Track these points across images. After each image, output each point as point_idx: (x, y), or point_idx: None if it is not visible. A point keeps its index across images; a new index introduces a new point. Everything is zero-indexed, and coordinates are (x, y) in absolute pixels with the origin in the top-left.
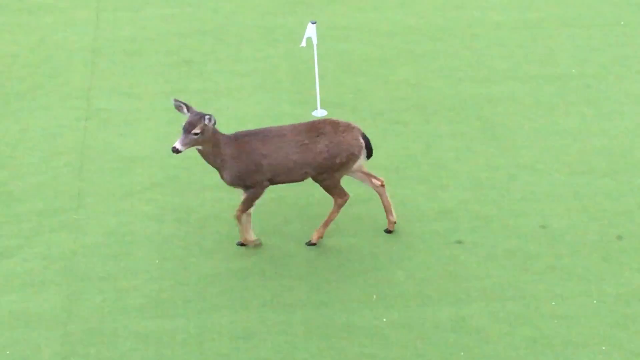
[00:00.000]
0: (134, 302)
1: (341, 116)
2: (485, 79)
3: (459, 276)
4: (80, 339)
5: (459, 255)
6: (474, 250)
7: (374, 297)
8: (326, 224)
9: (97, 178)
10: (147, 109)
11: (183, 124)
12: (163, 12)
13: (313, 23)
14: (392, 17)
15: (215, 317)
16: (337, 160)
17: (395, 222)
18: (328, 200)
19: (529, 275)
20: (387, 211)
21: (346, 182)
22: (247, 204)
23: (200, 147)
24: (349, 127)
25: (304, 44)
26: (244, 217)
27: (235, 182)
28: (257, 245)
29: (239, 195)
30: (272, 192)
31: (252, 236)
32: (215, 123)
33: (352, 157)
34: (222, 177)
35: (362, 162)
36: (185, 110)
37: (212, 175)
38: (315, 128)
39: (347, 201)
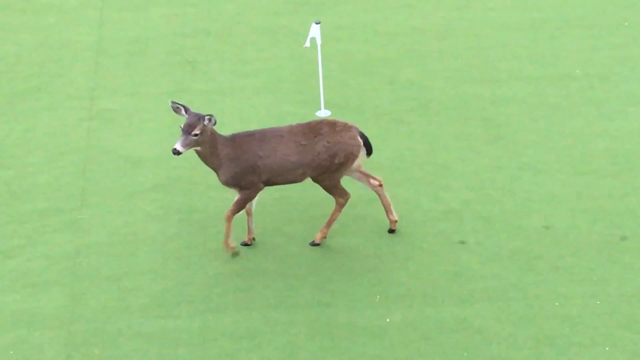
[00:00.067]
0: (138, 302)
1: (345, 116)
2: (489, 79)
3: (463, 276)
4: (83, 339)
5: (462, 256)
6: (477, 251)
7: (378, 297)
8: (329, 224)
9: (100, 178)
10: (151, 109)
11: (182, 126)
12: (167, 13)
13: (317, 23)
14: (396, 18)
15: (219, 317)
16: (336, 160)
17: (396, 221)
18: (331, 200)
19: (533, 276)
20: (387, 211)
21: (349, 182)
22: (240, 205)
23: (198, 148)
24: (346, 127)
25: (307, 44)
26: (249, 219)
27: (231, 182)
28: (235, 254)
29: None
30: (275, 193)
31: (232, 243)
32: (215, 123)
33: (351, 157)
34: (218, 177)
35: (360, 161)
36: (183, 112)
37: (215, 175)
38: (313, 129)
39: (350, 201)
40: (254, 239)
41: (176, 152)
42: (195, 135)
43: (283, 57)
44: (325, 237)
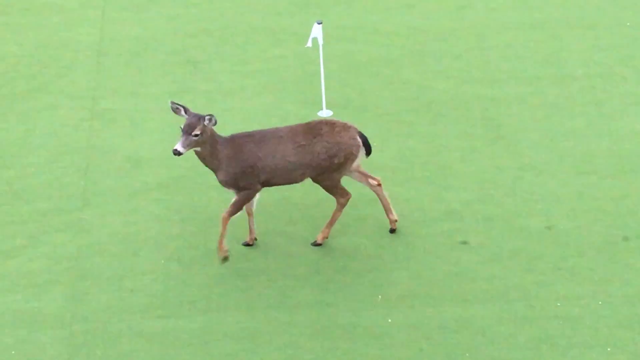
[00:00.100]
0: (139, 302)
1: (346, 116)
2: (491, 79)
3: (464, 277)
4: (85, 339)
5: (463, 256)
6: (479, 251)
7: (379, 297)
8: (330, 224)
9: (102, 178)
10: (153, 109)
11: (182, 126)
12: (169, 12)
13: (319, 23)
14: (398, 18)
15: (221, 317)
16: (336, 161)
17: (396, 220)
18: (332, 200)
19: (534, 276)
20: (387, 210)
21: (350, 182)
22: (237, 207)
23: (198, 149)
24: (345, 127)
25: (309, 44)
26: (250, 219)
27: (229, 183)
28: (225, 258)
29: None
30: (276, 193)
31: (225, 246)
32: (215, 123)
33: (351, 157)
34: (217, 178)
35: (359, 161)
36: (182, 112)
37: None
38: (313, 129)
39: (351, 202)
40: (255, 239)
41: (177, 153)
42: (196, 135)
43: (285, 57)
44: (326, 238)
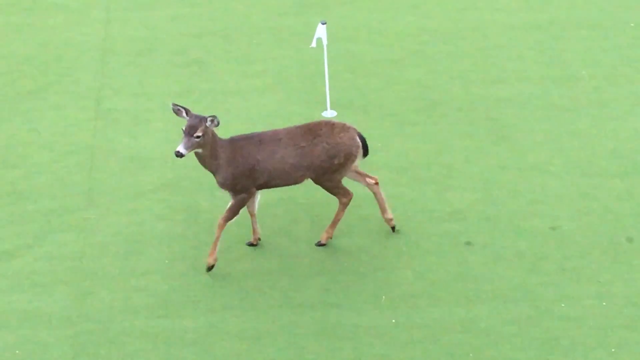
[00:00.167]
0: (144, 302)
1: (350, 117)
2: (495, 80)
3: (468, 277)
4: (89, 339)
5: (468, 256)
6: (483, 252)
7: (383, 298)
8: (334, 224)
9: (107, 178)
10: (157, 108)
11: (184, 128)
12: (173, 13)
13: (323, 24)
14: (402, 19)
15: (225, 317)
16: (336, 161)
17: (391, 219)
18: (337, 200)
19: (539, 277)
20: (382, 209)
21: (353, 182)
22: (234, 211)
23: (199, 150)
24: (345, 128)
25: (314, 44)
26: (253, 220)
27: (227, 185)
28: (211, 267)
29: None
30: (280, 193)
31: (215, 255)
32: (218, 124)
33: (351, 157)
34: (216, 180)
35: (358, 161)
36: (184, 114)
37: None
38: (312, 130)
39: (355, 202)
40: (259, 239)
41: (179, 155)
42: (198, 137)
43: (289, 58)
44: (330, 238)
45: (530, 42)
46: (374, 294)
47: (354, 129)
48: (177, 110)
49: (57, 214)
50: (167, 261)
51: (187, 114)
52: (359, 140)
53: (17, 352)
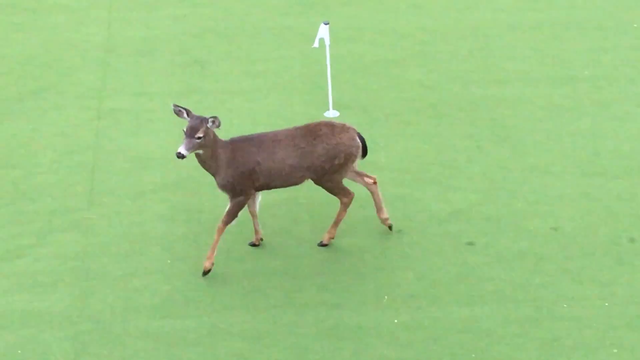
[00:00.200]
0: (146, 302)
1: (353, 117)
2: (497, 80)
3: (470, 278)
4: (91, 339)
5: (469, 257)
6: (485, 252)
7: (385, 298)
8: (336, 224)
9: (109, 178)
10: (160, 109)
11: (185, 129)
12: (176, 13)
13: (326, 24)
14: (405, 19)
15: (227, 317)
16: (336, 162)
17: (387, 218)
18: (338, 200)
19: (541, 277)
20: (378, 209)
21: (355, 183)
22: (232, 214)
23: (200, 152)
24: (344, 128)
25: (316, 44)
26: (254, 220)
27: (227, 187)
28: (207, 271)
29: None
30: (282, 193)
31: (212, 259)
32: (219, 125)
33: (351, 158)
34: (216, 182)
35: (357, 161)
36: (185, 115)
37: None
38: (312, 131)
39: (358, 202)
40: (261, 239)
41: (180, 156)
42: (199, 138)
43: (291, 58)
44: (332, 238)
45: (531, 42)
46: (376, 294)
47: (354, 130)
48: (178, 111)
49: (58, 213)
50: (168, 261)
51: (188, 115)
52: (358, 140)
53: (18, 352)
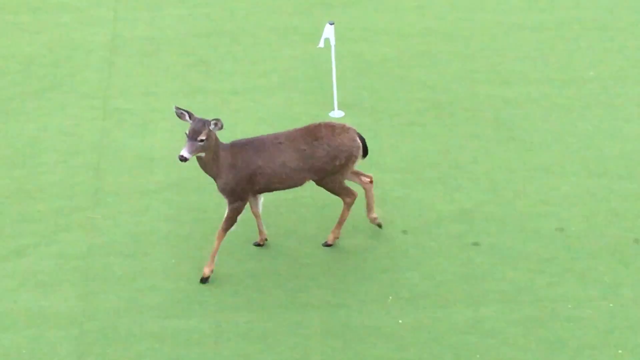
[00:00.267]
0: (150, 302)
1: (358, 117)
2: (502, 81)
3: (475, 278)
4: (96, 339)
5: (475, 257)
6: (490, 252)
7: (390, 298)
8: (339, 224)
9: (113, 177)
10: (164, 108)
11: (187, 132)
12: (180, 13)
13: (331, 24)
14: (410, 19)
15: (231, 317)
16: (337, 163)
17: (375, 218)
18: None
19: (545, 278)
20: (369, 208)
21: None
22: (232, 220)
23: (202, 154)
24: (344, 129)
25: (321, 44)
26: (258, 221)
27: (227, 191)
28: (205, 279)
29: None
30: (287, 194)
31: (212, 265)
32: (221, 127)
33: (352, 158)
34: (217, 185)
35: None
36: (187, 117)
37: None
38: (312, 133)
39: (361, 202)
40: (266, 239)
41: (183, 159)
42: (201, 140)
43: (296, 58)
44: (337, 238)
45: (536, 42)
46: (380, 295)
47: (354, 130)
48: (180, 114)
49: (63, 213)
50: (173, 261)
51: (190, 117)
52: (359, 140)
53: (23, 351)
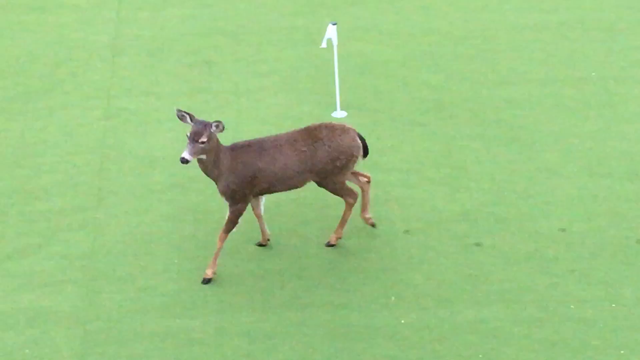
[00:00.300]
0: (153, 302)
1: (360, 118)
2: (505, 81)
3: (478, 278)
4: (99, 338)
5: (477, 258)
6: (492, 253)
7: (393, 298)
8: (342, 224)
9: (116, 177)
10: (167, 108)
11: (188, 134)
12: (184, 13)
13: (333, 24)
14: (413, 20)
15: (234, 317)
16: (338, 164)
17: (369, 217)
18: None
19: (548, 278)
20: (364, 207)
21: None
22: (233, 222)
23: (203, 157)
24: (345, 130)
25: (324, 45)
26: (260, 221)
27: (228, 193)
28: (207, 280)
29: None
30: (290, 194)
31: (214, 268)
32: (223, 129)
33: (352, 159)
34: (218, 188)
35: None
36: (188, 119)
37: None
38: (312, 134)
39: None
40: (268, 239)
41: (184, 161)
42: (203, 142)
43: (299, 58)
44: (340, 238)
45: (539, 43)
46: (383, 295)
47: (354, 130)
48: (181, 116)
49: (66, 213)
50: (176, 261)
51: (191, 119)
52: (359, 141)
53: (26, 351)
